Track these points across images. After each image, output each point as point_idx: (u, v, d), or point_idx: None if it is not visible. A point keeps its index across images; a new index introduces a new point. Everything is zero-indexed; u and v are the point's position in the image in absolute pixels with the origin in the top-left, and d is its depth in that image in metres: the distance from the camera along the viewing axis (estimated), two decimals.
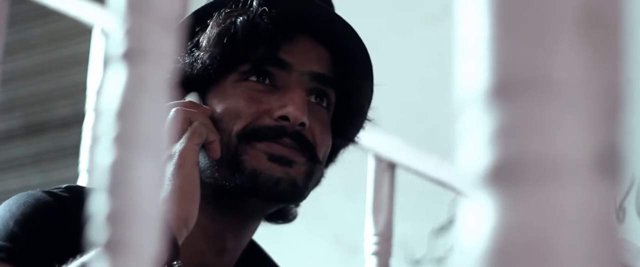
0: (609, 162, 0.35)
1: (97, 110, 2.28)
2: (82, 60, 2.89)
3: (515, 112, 0.36)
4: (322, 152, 1.16)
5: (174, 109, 1.10)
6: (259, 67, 1.14)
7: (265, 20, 1.13)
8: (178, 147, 1.07)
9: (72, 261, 0.97)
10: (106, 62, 2.07)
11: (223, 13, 1.14)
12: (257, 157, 1.11)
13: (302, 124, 1.13)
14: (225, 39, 1.14)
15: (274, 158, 1.12)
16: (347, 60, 1.17)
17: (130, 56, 0.44)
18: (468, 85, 0.37)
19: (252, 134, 1.12)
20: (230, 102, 1.14)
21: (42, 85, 3.75)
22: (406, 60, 2.88)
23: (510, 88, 0.36)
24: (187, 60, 1.15)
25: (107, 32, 2.32)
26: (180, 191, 1.04)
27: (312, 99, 1.16)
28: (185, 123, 1.10)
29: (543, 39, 0.36)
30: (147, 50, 0.44)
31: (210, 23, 1.15)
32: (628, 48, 0.36)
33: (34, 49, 3.77)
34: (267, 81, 1.15)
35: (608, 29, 0.36)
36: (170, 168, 1.05)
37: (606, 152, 0.35)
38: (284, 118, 1.12)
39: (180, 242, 1.01)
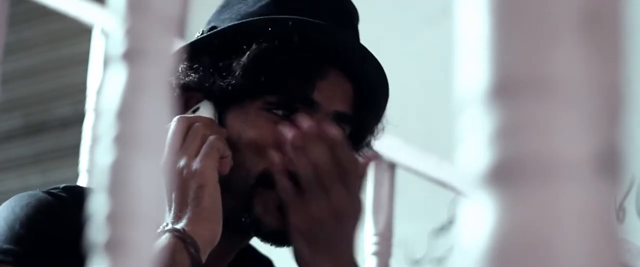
0: (609, 162, 0.35)
1: (97, 110, 2.27)
2: (82, 60, 2.89)
3: (515, 112, 0.36)
4: None
5: (196, 124, 1.11)
6: (288, 102, 1.14)
7: (304, 57, 1.13)
8: (197, 165, 1.08)
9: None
10: (106, 62, 2.07)
11: (263, 45, 1.13)
12: (267, 206, 1.13)
13: None
14: (262, 73, 1.13)
15: (281, 208, 1.13)
16: (369, 97, 1.19)
17: (130, 56, 0.44)
18: (468, 85, 0.37)
19: (268, 182, 1.12)
20: (253, 133, 1.14)
21: (42, 85, 3.75)
22: (406, 61, 2.88)
23: (510, 88, 0.36)
24: (216, 81, 1.14)
25: (107, 32, 2.32)
26: (205, 212, 1.06)
27: None
28: (202, 139, 1.10)
29: (543, 39, 0.36)
30: (147, 50, 0.44)
31: (248, 52, 1.13)
32: (628, 48, 0.36)
33: (34, 49, 3.77)
34: (292, 117, 1.14)
35: (608, 29, 0.36)
36: (192, 187, 1.07)
37: (606, 152, 0.35)
38: None
39: (203, 260, 1.03)
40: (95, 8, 2.37)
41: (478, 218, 0.36)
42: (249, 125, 1.14)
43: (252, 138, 1.13)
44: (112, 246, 0.42)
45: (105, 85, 0.44)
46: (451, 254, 2.72)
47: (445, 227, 2.75)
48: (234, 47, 1.14)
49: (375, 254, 1.86)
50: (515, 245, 0.35)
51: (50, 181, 3.46)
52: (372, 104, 1.20)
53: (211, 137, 1.10)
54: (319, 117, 1.14)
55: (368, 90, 1.19)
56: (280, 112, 1.14)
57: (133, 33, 0.44)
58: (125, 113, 0.43)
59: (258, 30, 1.14)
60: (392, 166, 1.91)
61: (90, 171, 2.22)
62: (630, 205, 2.42)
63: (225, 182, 1.11)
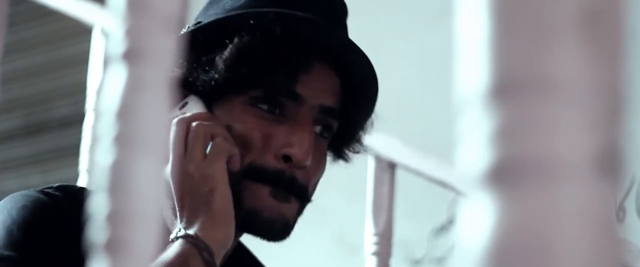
0: (608, 162, 0.35)
1: (97, 110, 2.28)
2: (82, 60, 2.89)
3: (515, 112, 0.36)
4: (312, 187, 1.18)
5: (194, 124, 1.10)
6: (272, 96, 1.14)
7: (287, 50, 1.12)
8: (207, 168, 1.08)
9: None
10: (106, 62, 2.07)
11: (245, 38, 1.12)
12: (258, 195, 1.12)
13: (304, 166, 1.13)
14: (244, 67, 1.12)
15: (274, 193, 1.13)
16: (357, 91, 1.18)
17: (130, 56, 0.44)
18: (468, 85, 0.37)
19: (255, 174, 1.13)
20: (239, 128, 1.13)
21: (42, 85, 3.75)
22: (406, 61, 2.88)
23: (510, 88, 0.36)
24: (199, 76, 1.14)
25: (107, 32, 2.32)
26: (218, 215, 1.06)
27: (316, 130, 1.17)
28: (208, 139, 1.10)
29: (543, 39, 0.36)
30: (147, 50, 0.44)
31: (230, 46, 1.13)
32: (628, 48, 0.36)
33: (34, 49, 3.77)
34: (276, 110, 1.14)
35: (608, 29, 0.36)
36: (203, 191, 1.07)
37: (606, 152, 0.35)
38: (287, 157, 1.13)
39: (218, 264, 1.04)
40: (95, 8, 2.37)
41: (478, 218, 0.36)
42: (235, 119, 1.14)
43: (238, 132, 1.13)
44: (112, 246, 0.42)
45: (105, 85, 0.44)
46: (451, 254, 2.72)
47: (445, 227, 2.75)
48: (217, 42, 1.14)
49: (375, 254, 1.86)
50: (515, 245, 0.35)
51: (50, 180, 3.45)
52: (360, 98, 1.19)
53: (217, 140, 1.10)
54: (303, 111, 1.14)
55: (356, 84, 1.18)
56: (265, 107, 1.14)
57: (133, 33, 0.44)
58: (125, 113, 0.43)
59: (241, 24, 1.14)
60: (392, 166, 1.91)
61: (90, 171, 2.22)
62: (630, 205, 2.42)
63: None
